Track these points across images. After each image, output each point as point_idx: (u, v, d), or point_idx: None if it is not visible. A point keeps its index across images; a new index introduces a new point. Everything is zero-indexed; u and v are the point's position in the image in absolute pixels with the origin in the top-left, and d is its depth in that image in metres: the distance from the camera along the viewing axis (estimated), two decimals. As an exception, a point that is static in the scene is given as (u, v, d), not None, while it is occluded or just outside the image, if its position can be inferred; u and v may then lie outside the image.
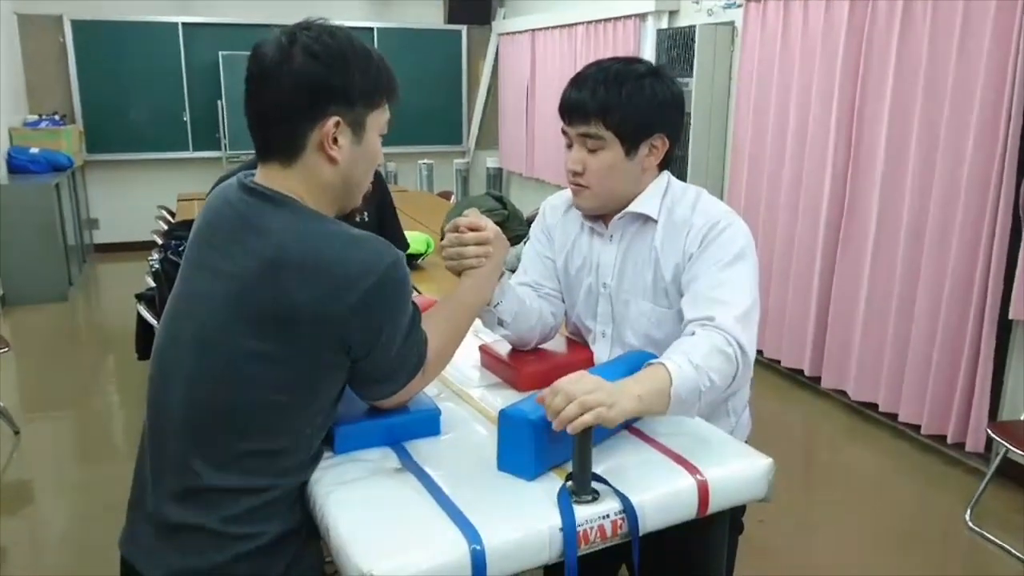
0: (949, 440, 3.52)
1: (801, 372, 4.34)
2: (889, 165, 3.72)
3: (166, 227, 4.61)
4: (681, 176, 1.75)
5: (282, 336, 1.19)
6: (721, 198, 1.71)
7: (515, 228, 3.85)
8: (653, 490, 1.25)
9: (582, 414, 1.19)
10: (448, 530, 1.13)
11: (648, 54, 5.44)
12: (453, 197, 6.61)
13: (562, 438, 1.22)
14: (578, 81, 1.61)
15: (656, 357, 1.41)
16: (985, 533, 2.98)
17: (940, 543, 3.04)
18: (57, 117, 6.88)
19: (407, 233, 3.09)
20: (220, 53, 7.28)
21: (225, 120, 7.48)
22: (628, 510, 1.21)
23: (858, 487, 3.42)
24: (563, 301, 1.83)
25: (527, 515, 1.18)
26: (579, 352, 1.79)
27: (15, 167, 6.21)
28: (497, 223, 1.56)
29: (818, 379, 4.24)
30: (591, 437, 1.22)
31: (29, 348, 5.01)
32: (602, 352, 1.75)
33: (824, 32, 4.03)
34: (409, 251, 3.21)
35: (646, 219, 1.67)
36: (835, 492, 3.41)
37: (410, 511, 1.19)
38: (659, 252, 1.64)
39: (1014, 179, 3.19)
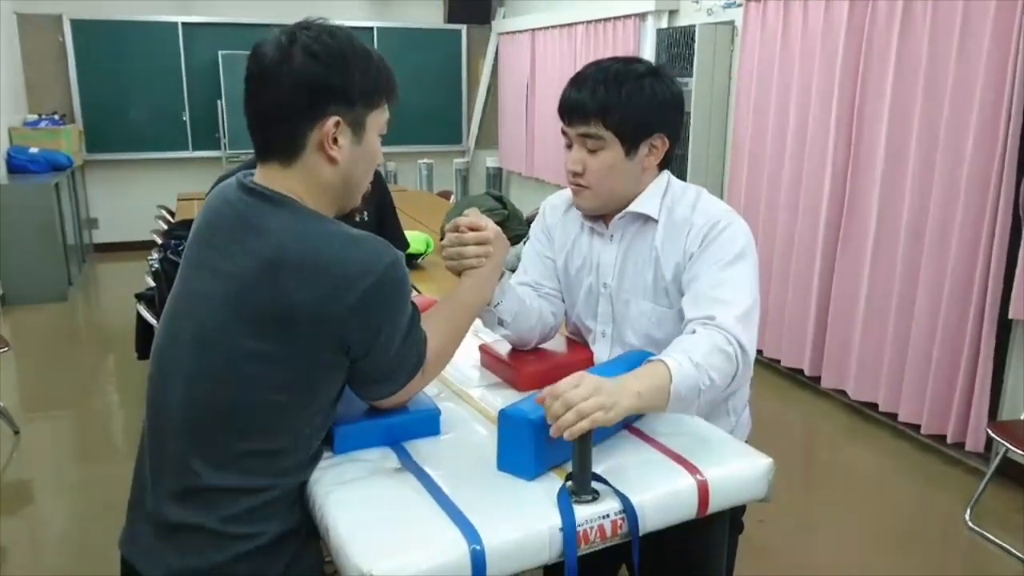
0: (949, 440, 3.52)
1: (801, 372, 4.34)
2: (889, 164, 3.72)
3: (166, 227, 4.61)
4: (681, 175, 1.75)
5: (281, 336, 1.19)
6: (721, 197, 1.71)
7: (515, 228, 3.85)
8: (653, 490, 1.25)
9: (580, 420, 1.19)
10: (448, 530, 1.13)
11: (648, 54, 5.44)
12: (453, 197, 6.61)
13: (562, 438, 1.22)
14: (577, 81, 1.61)
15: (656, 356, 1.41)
16: (985, 533, 2.98)
17: (940, 543, 3.04)
18: (57, 117, 6.88)
19: (407, 233, 3.09)
20: (220, 53, 7.28)
21: (225, 120, 7.48)
22: (628, 510, 1.21)
23: (858, 487, 3.42)
24: (563, 301, 1.83)
25: (527, 515, 1.18)
26: (579, 352, 1.79)
27: (15, 167, 6.20)
28: (497, 223, 1.56)
29: (818, 379, 4.24)
30: (591, 437, 1.22)
31: (29, 348, 5.00)
32: (602, 352, 1.75)
33: (824, 32, 4.03)
34: (409, 251, 3.21)
35: (646, 219, 1.66)
36: (835, 492, 3.41)
37: (410, 511, 1.19)
38: (659, 252, 1.64)
39: (1014, 178, 3.19)
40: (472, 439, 1.44)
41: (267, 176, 1.27)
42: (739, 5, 4.69)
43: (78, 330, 5.77)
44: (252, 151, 1.32)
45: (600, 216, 1.72)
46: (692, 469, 1.30)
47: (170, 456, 1.26)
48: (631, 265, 1.69)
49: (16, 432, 3.75)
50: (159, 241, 4.09)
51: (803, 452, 3.89)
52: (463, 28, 8.31)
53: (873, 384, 3.89)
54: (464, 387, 1.67)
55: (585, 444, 1.21)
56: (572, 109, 1.60)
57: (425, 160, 8.05)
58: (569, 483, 1.23)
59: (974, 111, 3.28)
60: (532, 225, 1.90)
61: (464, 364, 1.77)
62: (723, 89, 4.94)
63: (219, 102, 7.44)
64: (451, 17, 8.15)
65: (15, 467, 3.54)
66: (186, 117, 7.53)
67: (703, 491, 1.27)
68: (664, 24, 5.45)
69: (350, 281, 1.19)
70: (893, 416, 3.79)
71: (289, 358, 1.21)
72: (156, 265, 3.41)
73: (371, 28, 7.83)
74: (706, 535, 1.56)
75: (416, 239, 3.40)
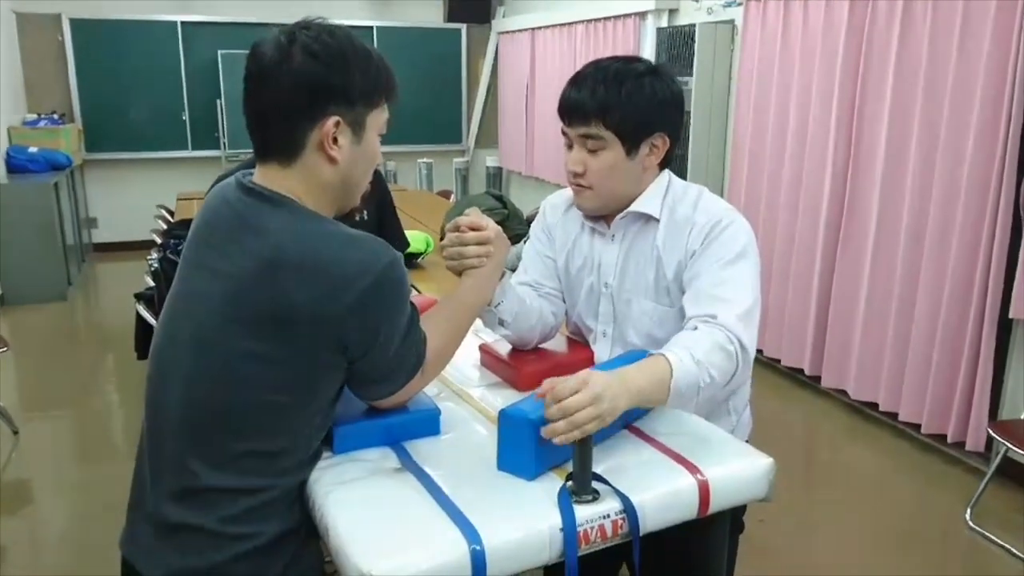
0: (949, 439, 3.52)
1: (801, 371, 4.34)
2: (889, 165, 3.72)
3: (165, 226, 4.61)
4: (681, 175, 1.75)
5: (279, 336, 1.19)
6: (721, 197, 1.70)
7: (515, 227, 3.85)
8: (654, 490, 1.25)
9: (573, 430, 1.19)
10: (448, 530, 1.13)
11: (648, 53, 5.44)
12: (453, 196, 6.61)
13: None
14: (577, 81, 1.60)
15: (656, 355, 1.41)
16: (985, 532, 2.98)
17: (940, 542, 3.04)
18: (56, 116, 6.87)
19: (407, 232, 3.09)
20: (219, 52, 7.27)
21: (224, 119, 7.48)
22: (628, 510, 1.20)
23: (858, 486, 3.42)
24: (563, 300, 1.83)
25: (527, 515, 1.18)
26: (579, 351, 1.79)
27: (14, 166, 6.20)
28: (497, 222, 1.55)
29: (818, 378, 4.24)
30: (591, 437, 1.21)
31: (28, 348, 5.00)
32: (603, 351, 1.75)
33: (824, 31, 4.03)
34: (409, 250, 3.21)
35: (648, 218, 1.66)
36: (835, 491, 3.41)
37: (410, 511, 1.19)
38: (661, 251, 1.64)
39: (1014, 178, 3.19)
40: (472, 439, 1.44)
41: (266, 176, 1.27)
42: (739, 4, 4.69)
43: (77, 330, 5.77)
44: (251, 151, 1.31)
45: (601, 216, 1.71)
46: (693, 469, 1.30)
47: (169, 456, 1.26)
48: (632, 265, 1.69)
49: (15, 432, 3.75)
50: (158, 241, 4.09)
51: (803, 452, 3.89)
52: (463, 27, 8.30)
53: (873, 384, 3.89)
54: (464, 387, 1.66)
55: (585, 444, 1.21)
56: (572, 109, 1.60)
57: (425, 159, 8.05)
58: (569, 483, 1.23)
59: (974, 111, 3.28)
60: (532, 224, 1.90)
61: (464, 364, 1.77)
62: (723, 88, 4.94)
63: (218, 101, 7.44)
64: (451, 16, 8.16)
65: (14, 467, 3.54)
66: (185, 117, 7.53)
67: (704, 491, 1.27)
68: (664, 23, 5.44)
69: (348, 281, 1.19)
70: (893, 416, 3.79)
71: (288, 359, 1.20)
72: (155, 265, 3.41)
73: (371, 27, 7.82)
74: (707, 535, 1.56)
75: (416, 239, 3.40)
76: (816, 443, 4.02)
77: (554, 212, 1.84)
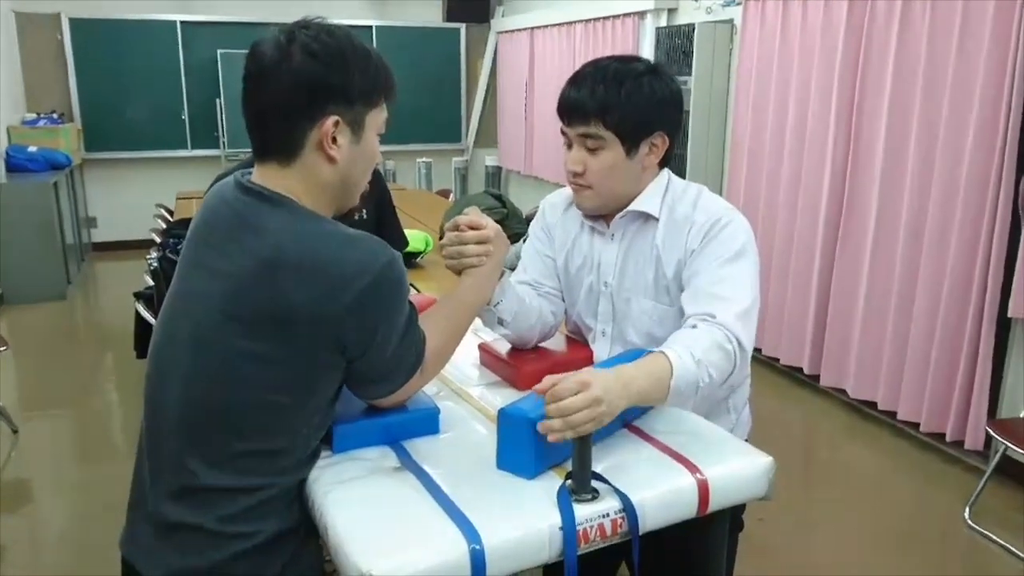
0: (948, 438, 3.52)
1: (800, 370, 4.34)
2: (888, 163, 3.72)
3: (164, 225, 4.61)
4: (680, 174, 1.75)
5: (278, 336, 1.19)
6: (720, 196, 1.71)
7: (514, 226, 3.85)
8: (653, 489, 1.25)
9: (567, 430, 1.19)
10: (447, 529, 1.13)
11: (647, 52, 5.43)
12: (452, 195, 6.61)
13: (562, 437, 1.22)
14: (576, 81, 1.60)
15: (655, 354, 1.41)
16: (984, 531, 2.98)
17: (939, 541, 3.04)
18: (55, 115, 6.87)
19: (406, 231, 3.09)
20: (218, 51, 7.27)
21: (224, 118, 7.47)
22: (628, 509, 1.21)
23: (857, 485, 3.43)
24: (563, 300, 1.83)
25: (527, 514, 1.18)
26: (579, 350, 1.79)
27: (13, 166, 6.19)
28: (496, 221, 1.55)
29: (817, 377, 4.24)
30: (590, 436, 1.22)
31: (27, 347, 5.00)
32: (602, 350, 1.75)
33: (823, 30, 4.03)
34: (408, 249, 3.21)
35: (647, 217, 1.66)
36: (834, 490, 3.41)
37: (409, 510, 1.19)
38: (660, 250, 1.64)
39: (1013, 177, 3.19)
40: (471, 438, 1.44)
41: (265, 175, 1.27)
42: (738, 3, 4.69)
43: (77, 329, 5.77)
44: (251, 150, 1.31)
45: (601, 215, 1.71)
46: (692, 468, 1.30)
47: (167, 455, 1.26)
48: (632, 264, 1.69)
49: (15, 431, 3.74)
50: (158, 240, 4.09)
51: (802, 450, 3.89)
52: (462, 27, 8.30)
53: (872, 382, 3.89)
54: (463, 386, 1.66)
55: (585, 443, 1.21)
56: (571, 109, 1.60)
57: (424, 159, 8.05)
58: (569, 482, 1.23)
59: (973, 109, 3.28)
60: (531, 224, 1.90)
61: (463, 363, 1.77)
62: (722, 88, 4.94)
63: (218, 101, 7.44)
64: (450, 16, 8.15)
65: (14, 466, 3.54)
66: (185, 116, 7.52)
67: (703, 490, 1.27)
68: (663, 23, 5.44)
69: (347, 281, 1.19)
70: (892, 414, 3.79)
71: (286, 358, 1.20)
72: (155, 264, 3.41)
73: (370, 27, 7.82)
74: (706, 534, 1.56)
75: (415, 238, 3.40)
76: (815, 442, 4.02)
77: (553, 211, 1.84)
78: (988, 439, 3.28)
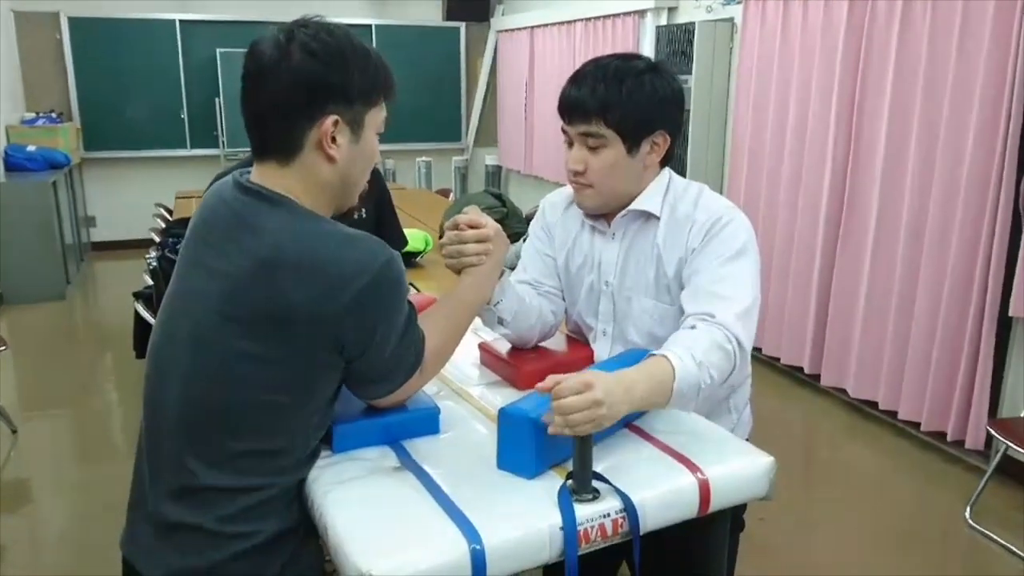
0: (949, 437, 3.51)
1: (800, 369, 4.34)
2: (889, 162, 3.72)
3: (164, 225, 4.60)
4: (680, 173, 1.75)
5: (277, 336, 1.19)
6: (720, 195, 1.70)
7: (514, 226, 3.85)
8: (654, 488, 1.25)
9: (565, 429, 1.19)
10: (448, 529, 1.13)
11: (647, 51, 5.43)
12: (452, 195, 6.60)
13: (562, 436, 1.22)
14: (577, 79, 1.60)
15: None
16: (985, 531, 2.97)
17: (940, 541, 3.04)
18: (54, 115, 6.87)
19: (406, 231, 3.09)
20: (218, 50, 7.26)
21: (223, 118, 7.47)
22: (629, 509, 1.20)
23: (858, 485, 3.42)
24: (563, 299, 1.83)
25: (527, 514, 1.18)
26: (579, 350, 1.79)
27: (12, 165, 6.19)
28: (496, 221, 1.55)
29: (817, 377, 4.24)
30: (591, 436, 1.21)
31: (27, 347, 5.00)
32: (603, 350, 1.74)
33: (823, 29, 4.02)
34: (408, 249, 3.21)
35: (648, 216, 1.66)
36: (835, 490, 3.41)
37: (409, 510, 1.18)
38: (661, 249, 1.64)
39: (1014, 176, 3.18)
40: (472, 438, 1.44)
41: (264, 175, 1.27)
42: (738, 2, 4.68)
43: (76, 329, 5.77)
44: (250, 149, 1.31)
45: (601, 214, 1.71)
46: (693, 467, 1.29)
47: (167, 456, 1.26)
48: (633, 263, 1.69)
49: (14, 431, 3.74)
50: (157, 239, 4.08)
51: (803, 450, 3.88)
52: (462, 26, 8.29)
53: (873, 382, 3.89)
54: (464, 385, 1.66)
55: (585, 443, 1.20)
56: (572, 107, 1.59)
57: (424, 158, 8.04)
58: (569, 482, 1.22)
59: (974, 109, 3.28)
60: (532, 223, 1.90)
61: (464, 362, 1.76)
62: (722, 87, 4.94)
63: (217, 100, 7.43)
64: (450, 15, 8.15)
65: (13, 466, 3.54)
66: (184, 115, 7.51)
67: (704, 490, 1.27)
68: (663, 21, 5.44)
69: (346, 281, 1.18)
70: (893, 414, 3.79)
71: (285, 358, 1.20)
72: (154, 263, 3.40)
73: (369, 26, 7.81)
74: (707, 533, 1.56)
75: (415, 237, 3.40)
76: (815, 441, 4.02)
77: (553, 210, 1.84)
78: (989, 439, 3.27)
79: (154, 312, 3.19)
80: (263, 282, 1.18)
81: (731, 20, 4.83)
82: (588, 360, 1.72)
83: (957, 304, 3.41)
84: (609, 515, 1.20)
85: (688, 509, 1.27)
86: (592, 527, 1.18)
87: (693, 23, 4.92)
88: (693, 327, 1.46)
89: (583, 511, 1.18)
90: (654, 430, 1.43)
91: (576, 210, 1.75)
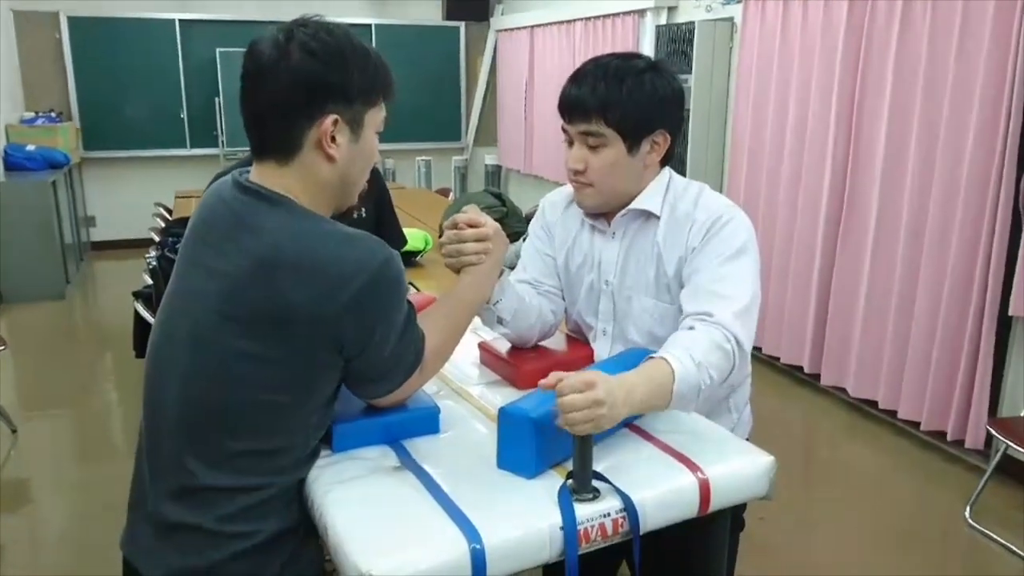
0: (949, 437, 3.51)
1: (800, 369, 4.34)
2: (889, 162, 3.72)
3: (163, 224, 4.60)
4: (680, 173, 1.74)
5: (276, 336, 1.19)
6: (720, 194, 1.70)
7: (514, 225, 3.84)
8: (654, 488, 1.25)
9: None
10: (448, 529, 1.12)
11: (647, 51, 5.43)
12: (451, 194, 6.60)
13: (562, 436, 1.22)
14: (577, 78, 1.59)
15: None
16: (985, 530, 2.97)
17: (940, 540, 3.04)
18: (54, 114, 6.86)
19: (405, 230, 3.08)
20: (217, 50, 7.25)
21: (222, 117, 7.46)
22: (629, 508, 1.20)
23: (858, 484, 3.42)
24: (563, 298, 1.82)
25: (527, 513, 1.18)
26: (579, 349, 1.79)
27: (11, 165, 6.19)
28: (496, 220, 1.55)
29: (817, 376, 4.24)
30: (591, 435, 1.21)
31: (26, 346, 4.99)
32: (603, 350, 1.74)
33: (823, 29, 4.02)
34: (408, 248, 3.21)
35: (648, 215, 1.66)
36: (835, 489, 3.41)
37: (409, 509, 1.18)
38: (661, 248, 1.63)
39: (1014, 175, 3.18)
40: (472, 437, 1.44)
41: (263, 174, 1.26)
42: (738, 2, 4.68)
43: (76, 328, 5.76)
44: (249, 149, 1.31)
45: (601, 213, 1.71)
46: (693, 467, 1.29)
47: (166, 455, 1.26)
48: (633, 262, 1.68)
49: (14, 431, 3.74)
50: (156, 239, 4.07)
51: (803, 449, 3.88)
52: (461, 25, 8.29)
53: (873, 381, 3.89)
54: (463, 385, 1.66)
55: (586, 442, 1.20)
56: (572, 106, 1.59)
57: (423, 157, 8.04)
58: (570, 481, 1.22)
59: (974, 108, 3.27)
60: (531, 222, 1.90)
61: (463, 362, 1.76)
62: (722, 86, 4.93)
63: (217, 100, 7.42)
64: (449, 14, 8.15)
65: (13, 466, 3.54)
66: (184, 115, 7.51)
67: (704, 489, 1.27)
68: (663, 21, 5.44)
69: (345, 280, 1.18)
70: (893, 413, 3.79)
71: (284, 358, 1.20)
72: (153, 263, 3.40)
73: (369, 25, 7.81)
74: (707, 533, 1.56)
75: (415, 236, 3.40)
76: (815, 441, 4.02)
77: (553, 210, 1.84)
78: (989, 438, 3.27)
79: (154, 312, 3.19)
80: (262, 282, 1.18)
81: (731, 20, 4.82)
82: (588, 359, 1.72)
83: (957, 303, 3.41)
84: (609, 515, 1.19)
85: (688, 509, 1.27)
86: (592, 527, 1.18)
87: (693, 22, 4.91)
88: (691, 328, 1.46)
89: (583, 511, 1.18)
90: (654, 430, 1.43)
91: (576, 209, 1.75)
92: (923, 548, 2.96)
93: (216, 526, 1.21)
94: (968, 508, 3.07)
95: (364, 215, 2.68)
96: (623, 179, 1.62)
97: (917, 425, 3.66)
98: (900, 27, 3.60)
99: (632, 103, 1.54)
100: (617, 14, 5.92)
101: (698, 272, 1.56)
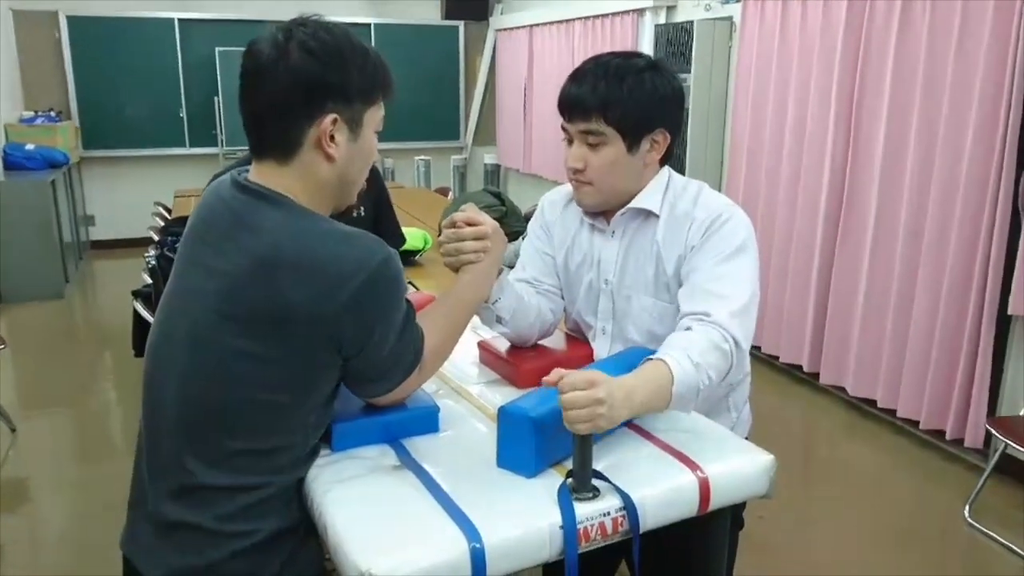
0: (948, 436, 3.52)
1: (800, 368, 4.34)
2: (888, 161, 3.72)
3: (162, 223, 4.59)
4: (679, 172, 1.75)
5: (275, 335, 1.19)
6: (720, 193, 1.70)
7: (513, 224, 3.84)
8: (654, 487, 1.25)
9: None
10: (447, 528, 1.12)
11: (646, 50, 5.42)
12: (451, 193, 6.60)
13: (562, 435, 1.22)
14: (577, 77, 1.59)
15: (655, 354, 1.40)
16: (984, 529, 2.98)
17: (939, 539, 3.04)
18: (53, 113, 6.86)
19: (405, 229, 3.08)
20: (216, 49, 7.25)
21: (222, 116, 7.46)
22: (629, 507, 1.20)
23: (857, 483, 3.42)
24: (562, 297, 1.82)
25: (527, 512, 1.18)
26: (578, 348, 1.79)
27: (11, 164, 6.18)
28: (495, 219, 1.55)
29: (817, 375, 4.24)
30: (592, 434, 1.21)
31: (26, 346, 4.99)
32: (602, 348, 1.74)
33: (823, 28, 4.02)
34: (407, 247, 3.21)
35: (648, 214, 1.66)
36: (834, 488, 3.41)
37: (409, 509, 1.18)
38: (661, 247, 1.63)
39: (1013, 174, 3.18)
40: (471, 436, 1.44)
41: (262, 174, 1.26)
42: (737, 1, 4.68)
43: (75, 327, 5.76)
44: (248, 148, 1.31)
45: (601, 212, 1.71)
46: (693, 466, 1.29)
47: (166, 454, 1.26)
48: (632, 261, 1.68)
49: (13, 430, 3.74)
50: (156, 238, 4.07)
51: (802, 448, 3.89)
52: (460, 24, 8.29)
53: (872, 380, 3.89)
54: (463, 384, 1.66)
55: (585, 441, 1.20)
56: (572, 105, 1.59)
57: (423, 157, 8.04)
58: (569, 480, 1.22)
59: (973, 107, 3.27)
60: (531, 221, 1.89)
61: (463, 361, 1.76)
62: (721, 85, 4.93)
63: (216, 99, 7.42)
64: (448, 13, 8.14)
65: (12, 465, 3.53)
66: (183, 114, 7.51)
67: (704, 488, 1.27)
68: (662, 20, 5.44)
69: (344, 279, 1.18)
70: (892, 412, 3.79)
71: (283, 358, 1.20)
72: (153, 262, 3.39)
73: (368, 24, 7.81)
74: (707, 532, 1.56)
75: (414, 236, 3.40)
76: (815, 440, 4.02)
77: (552, 209, 1.84)
78: (988, 437, 3.28)
79: (153, 311, 3.19)
80: (261, 281, 1.18)
81: (730, 19, 4.82)
82: (587, 358, 1.72)
83: (956, 302, 3.42)
84: (609, 513, 1.19)
85: (688, 507, 1.27)
86: (592, 525, 1.18)
87: (692, 22, 4.91)
88: (688, 328, 1.46)
89: (583, 509, 1.18)
90: (654, 428, 1.43)
91: (575, 208, 1.75)
92: (922, 547, 2.96)
93: (215, 525, 1.21)
94: (967, 507, 3.07)
95: (363, 214, 2.68)
96: (623, 178, 1.62)
97: (916, 424, 3.66)
98: (899, 26, 3.60)
99: (632, 102, 1.54)
100: (616, 13, 5.92)
101: (696, 271, 1.56)
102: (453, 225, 1.50)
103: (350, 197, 1.35)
